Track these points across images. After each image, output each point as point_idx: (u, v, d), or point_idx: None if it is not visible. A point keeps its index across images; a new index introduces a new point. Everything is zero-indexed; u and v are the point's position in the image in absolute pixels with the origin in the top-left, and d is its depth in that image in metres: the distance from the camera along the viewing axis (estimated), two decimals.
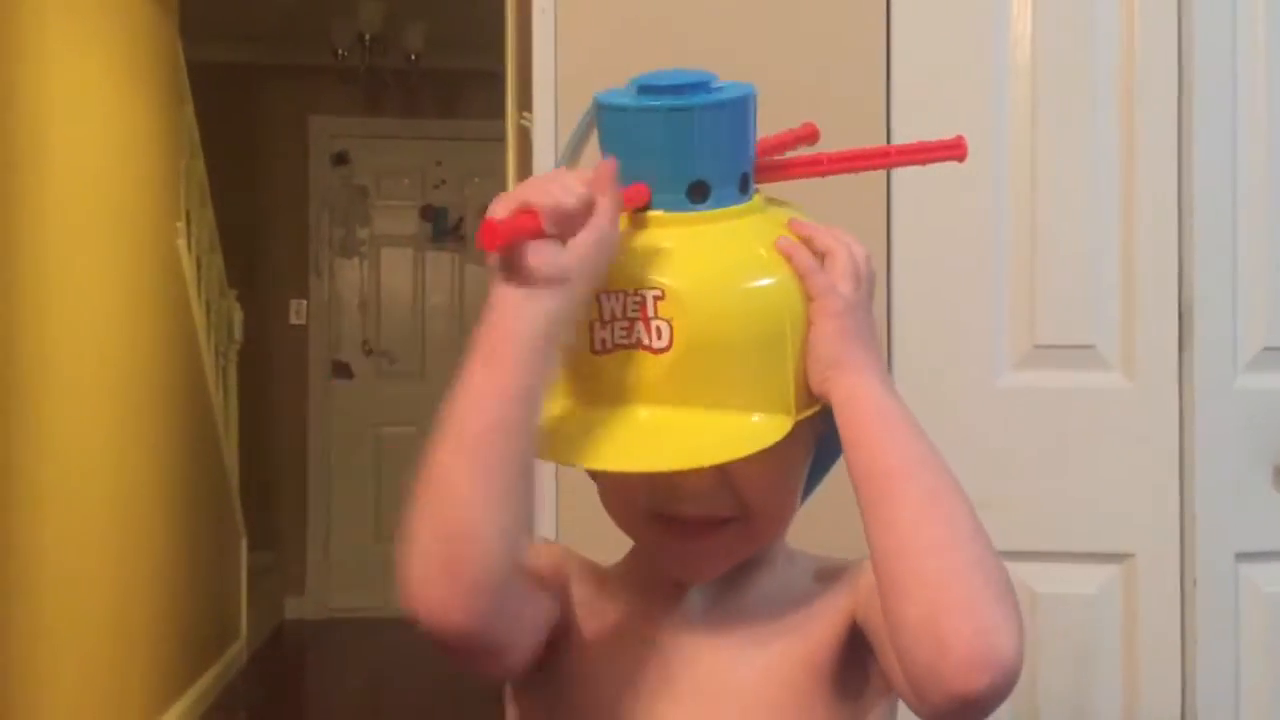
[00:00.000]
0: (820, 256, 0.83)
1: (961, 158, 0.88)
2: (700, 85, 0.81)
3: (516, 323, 0.75)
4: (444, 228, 5.70)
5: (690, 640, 0.85)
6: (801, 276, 0.81)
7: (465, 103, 5.43)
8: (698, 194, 0.82)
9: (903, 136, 1.56)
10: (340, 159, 5.65)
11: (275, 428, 5.46)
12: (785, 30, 1.57)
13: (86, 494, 2.91)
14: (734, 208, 0.83)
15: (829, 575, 0.88)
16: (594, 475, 0.87)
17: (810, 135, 0.92)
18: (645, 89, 0.82)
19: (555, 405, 0.81)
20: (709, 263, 0.80)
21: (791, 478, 0.85)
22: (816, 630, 0.85)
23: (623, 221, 0.80)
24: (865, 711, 0.86)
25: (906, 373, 1.56)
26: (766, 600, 0.87)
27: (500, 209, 0.76)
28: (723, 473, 0.80)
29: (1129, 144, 1.59)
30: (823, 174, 0.89)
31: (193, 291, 3.94)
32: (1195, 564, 1.57)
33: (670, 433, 0.79)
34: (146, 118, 3.53)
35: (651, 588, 0.87)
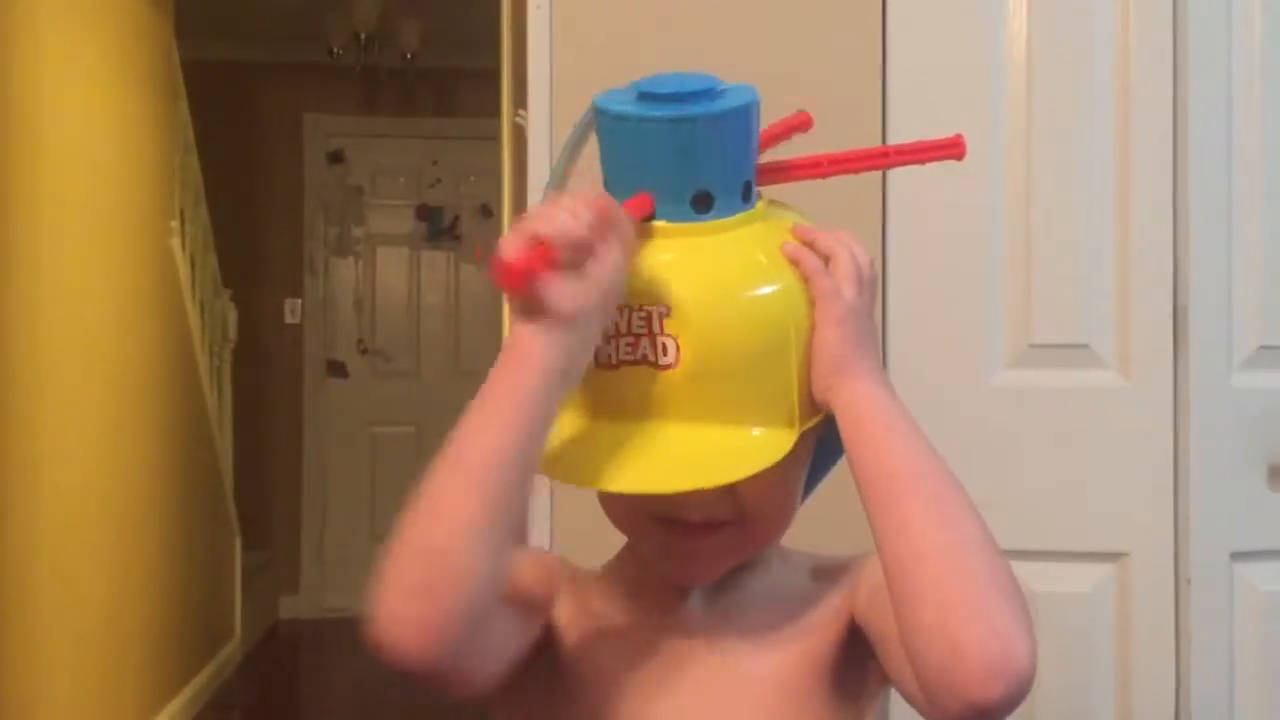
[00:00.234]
0: (823, 260, 0.83)
1: (960, 156, 0.88)
2: (704, 92, 0.80)
3: (532, 359, 0.74)
4: (439, 227, 5.69)
5: (688, 642, 0.85)
6: (807, 279, 0.81)
7: (461, 101, 5.43)
8: (702, 204, 0.81)
9: (899, 136, 1.56)
10: (335, 158, 5.65)
11: (270, 427, 5.45)
12: (781, 29, 1.57)
13: (80, 493, 2.90)
14: (737, 216, 0.82)
15: (825, 574, 0.88)
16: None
17: (804, 123, 0.91)
18: (647, 96, 0.80)
19: (567, 421, 0.81)
20: (714, 276, 0.79)
21: (792, 481, 0.85)
22: (815, 630, 0.85)
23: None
24: (864, 710, 0.86)
25: (902, 372, 1.55)
26: (763, 600, 0.87)
27: (510, 246, 0.74)
28: (733, 481, 0.80)
29: (1124, 143, 1.59)
30: (823, 175, 0.88)
31: (187, 290, 3.93)
32: (1190, 563, 1.57)
33: (678, 451, 0.78)
34: (141, 116, 3.52)
35: (647, 590, 0.87)
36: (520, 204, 1.68)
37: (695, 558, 0.84)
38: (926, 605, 0.71)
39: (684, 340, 0.78)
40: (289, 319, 5.57)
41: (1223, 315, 1.59)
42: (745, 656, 0.85)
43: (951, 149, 0.88)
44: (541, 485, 1.50)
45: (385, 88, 5.43)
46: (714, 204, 0.81)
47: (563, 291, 0.74)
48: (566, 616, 0.87)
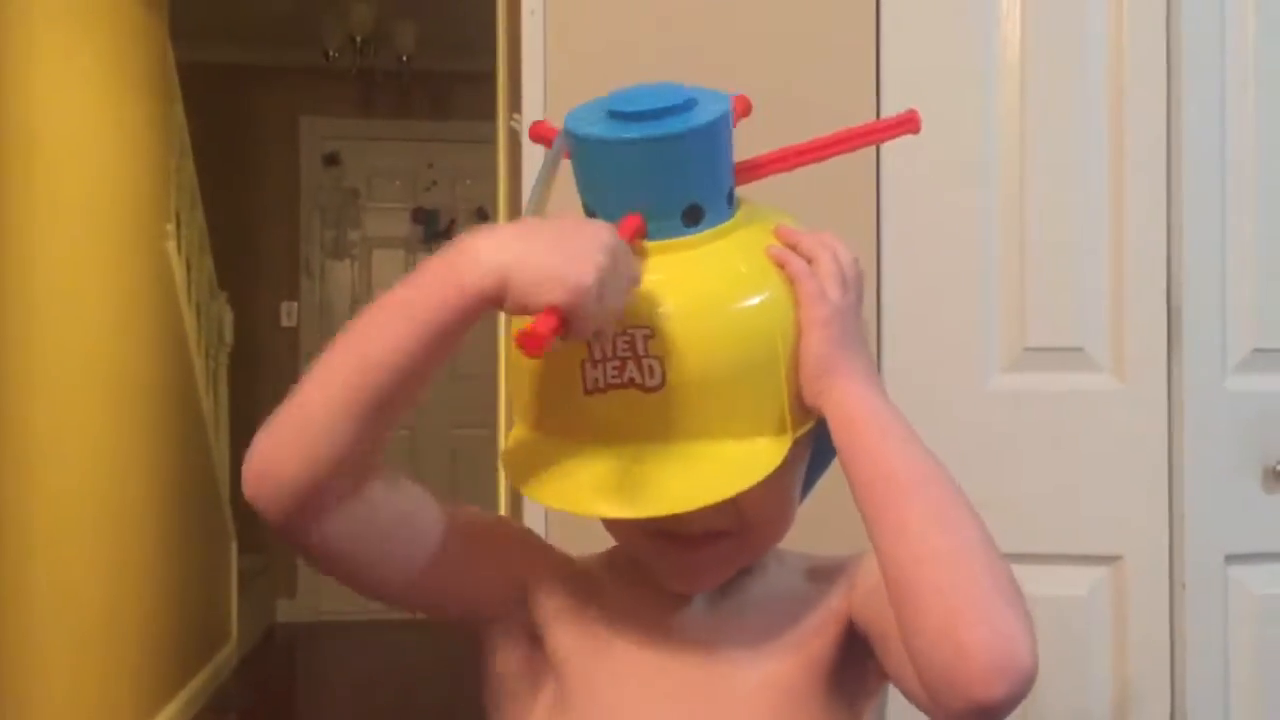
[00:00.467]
0: (806, 262, 0.82)
1: (915, 130, 0.87)
2: (679, 105, 0.79)
3: (467, 290, 0.74)
4: (435, 230, 5.69)
5: (686, 645, 0.85)
6: (792, 281, 0.81)
7: (457, 104, 5.43)
8: (692, 217, 0.81)
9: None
10: (331, 160, 5.65)
11: None
12: (775, 33, 1.57)
13: (76, 496, 2.90)
14: (723, 225, 0.82)
15: (821, 575, 0.88)
16: None
17: (744, 109, 0.87)
18: (619, 115, 0.79)
19: (550, 446, 0.81)
20: (695, 293, 0.79)
21: (789, 487, 0.85)
22: (813, 631, 0.85)
23: None
24: (862, 710, 0.86)
25: (896, 376, 1.55)
26: (760, 602, 0.87)
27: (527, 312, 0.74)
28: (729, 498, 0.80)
29: (1118, 146, 1.59)
30: (791, 168, 0.88)
31: (183, 293, 3.93)
32: (1185, 566, 1.57)
33: (672, 471, 0.78)
34: (136, 118, 3.52)
35: (644, 592, 0.87)
36: (516, 207, 1.68)
37: (695, 568, 0.84)
38: (929, 608, 0.71)
39: (669, 360, 0.77)
40: (285, 322, 5.56)
41: (1217, 318, 1.59)
42: (742, 660, 0.85)
43: (907, 124, 0.87)
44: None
45: (381, 90, 5.43)
46: (704, 215, 0.81)
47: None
48: (557, 607, 0.87)
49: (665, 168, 0.79)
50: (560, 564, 0.90)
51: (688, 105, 0.79)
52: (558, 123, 0.84)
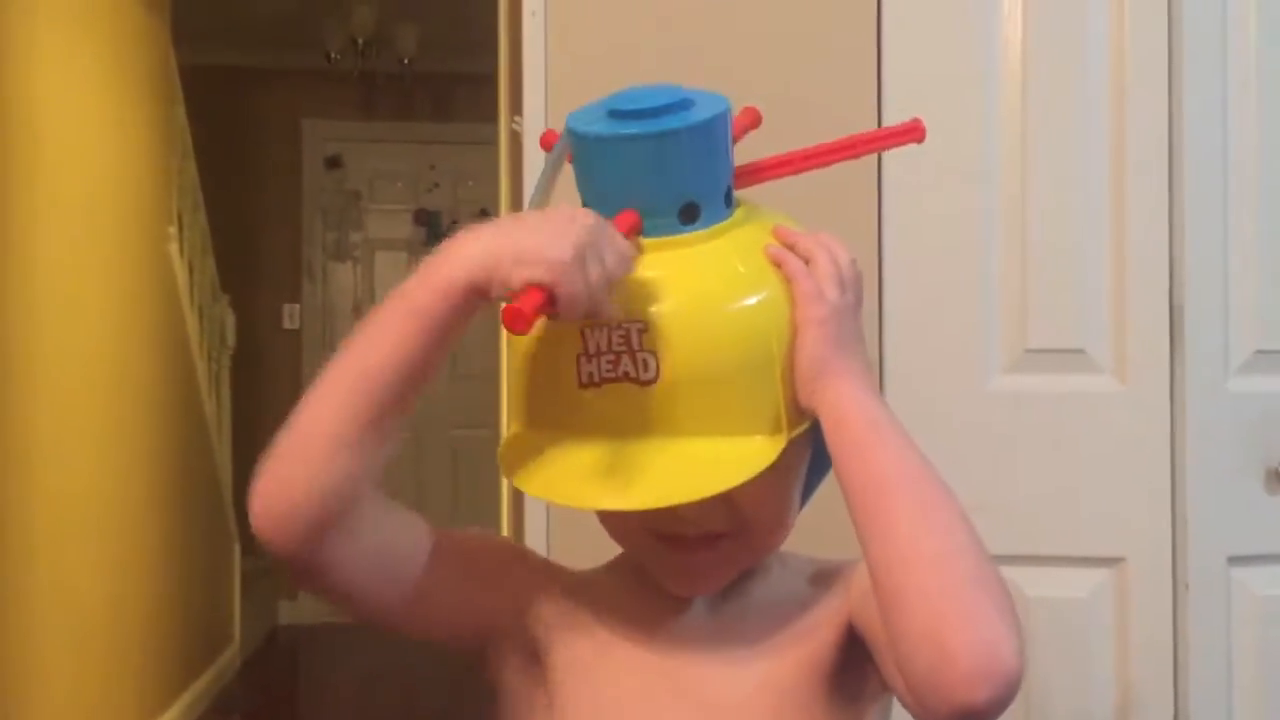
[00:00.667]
0: (804, 262, 0.82)
1: (919, 139, 0.88)
2: (677, 104, 0.80)
3: (451, 289, 0.75)
4: (438, 231, 5.69)
5: (688, 648, 0.85)
6: (789, 280, 0.81)
7: (458, 106, 5.43)
8: (689, 215, 0.81)
9: None
10: (333, 162, 5.65)
11: (269, 432, 5.39)
12: (776, 36, 1.57)
13: (78, 499, 2.90)
14: (720, 224, 0.82)
15: (824, 578, 0.88)
16: None
17: (753, 121, 0.90)
18: (619, 114, 0.80)
19: (545, 440, 0.81)
20: (692, 290, 0.79)
21: (788, 488, 0.85)
22: (814, 634, 0.85)
23: None
24: (863, 713, 0.86)
25: (898, 377, 1.56)
26: (763, 606, 0.87)
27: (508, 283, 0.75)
28: (719, 494, 0.79)
29: (1119, 148, 1.59)
30: (793, 172, 0.88)
31: (185, 296, 3.93)
32: (1187, 567, 1.57)
33: (664, 465, 0.78)
34: (138, 121, 3.52)
35: (646, 595, 0.87)
36: (518, 208, 1.68)
37: (695, 570, 0.84)
38: (913, 610, 0.71)
39: (663, 355, 0.77)
40: (287, 324, 5.57)
41: (1219, 319, 1.59)
42: (743, 662, 0.84)
43: (911, 133, 0.88)
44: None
45: (383, 93, 5.43)
46: (700, 213, 0.81)
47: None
48: (556, 619, 0.87)
49: (661, 164, 0.80)
50: (557, 576, 0.90)
51: (685, 104, 0.80)
52: (561, 124, 0.85)
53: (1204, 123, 1.59)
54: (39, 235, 2.67)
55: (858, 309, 0.84)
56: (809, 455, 0.86)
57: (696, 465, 0.78)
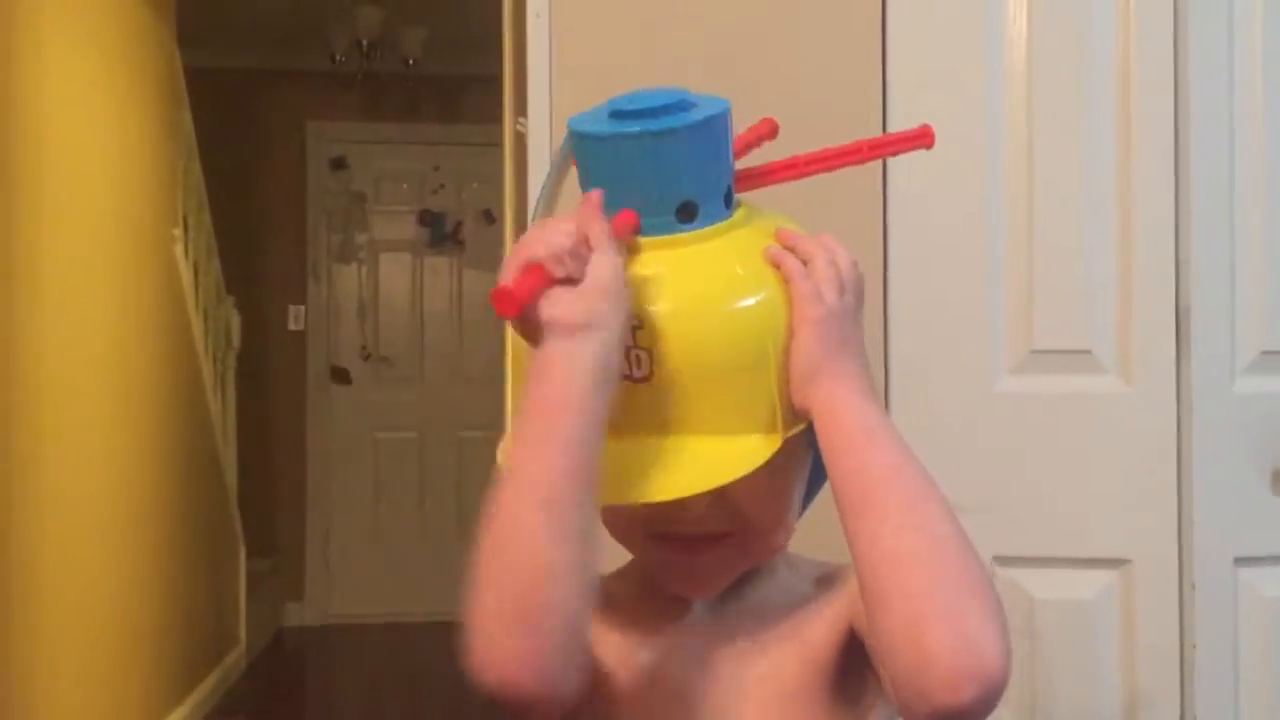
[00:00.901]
0: (803, 264, 0.82)
1: (929, 145, 0.88)
2: (677, 104, 0.81)
3: (561, 373, 0.75)
4: (442, 233, 5.69)
5: (693, 648, 0.85)
6: (787, 281, 0.81)
7: (463, 108, 5.43)
8: (686, 214, 0.82)
9: None
10: (338, 164, 5.65)
11: (274, 434, 5.45)
12: (780, 35, 1.57)
13: (84, 500, 2.91)
14: (720, 224, 0.83)
15: (827, 581, 0.88)
16: None
17: (770, 131, 0.91)
18: (620, 114, 0.81)
19: None
20: (687, 290, 0.80)
21: (788, 490, 0.85)
22: (817, 636, 0.85)
23: None
24: (866, 713, 0.85)
25: (903, 379, 1.55)
26: (768, 607, 0.87)
27: (506, 275, 0.76)
28: (718, 492, 0.80)
29: (1125, 147, 1.59)
30: (799, 176, 0.88)
31: (190, 297, 3.93)
32: (1194, 569, 1.57)
33: (654, 462, 0.78)
34: (143, 123, 3.53)
35: (652, 596, 0.87)
36: (522, 210, 1.68)
37: (696, 572, 0.84)
38: (895, 609, 0.71)
39: (657, 352, 0.78)
40: (292, 326, 5.57)
41: (1225, 320, 1.59)
42: (747, 663, 0.85)
43: (921, 139, 0.88)
44: None
45: (387, 94, 5.43)
46: (699, 213, 0.82)
47: (562, 301, 0.75)
48: None
49: (657, 162, 0.80)
50: None
51: (685, 105, 0.81)
52: (564, 127, 0.85)
53: (1210, 123, 1.59)
54: (45, 238, 2.67)
55: (858, 311, 0.83)
56: (810, 458, 0.86)
57: (689, 462, 0.78)
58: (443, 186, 5.68)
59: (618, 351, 0.77)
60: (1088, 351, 1.59)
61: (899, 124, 1.57)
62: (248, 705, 4.33)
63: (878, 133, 1.57)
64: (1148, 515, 1.58)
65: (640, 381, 0.78)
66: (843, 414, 0.78)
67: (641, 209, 0.81)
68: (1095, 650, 1.58)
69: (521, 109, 1.65)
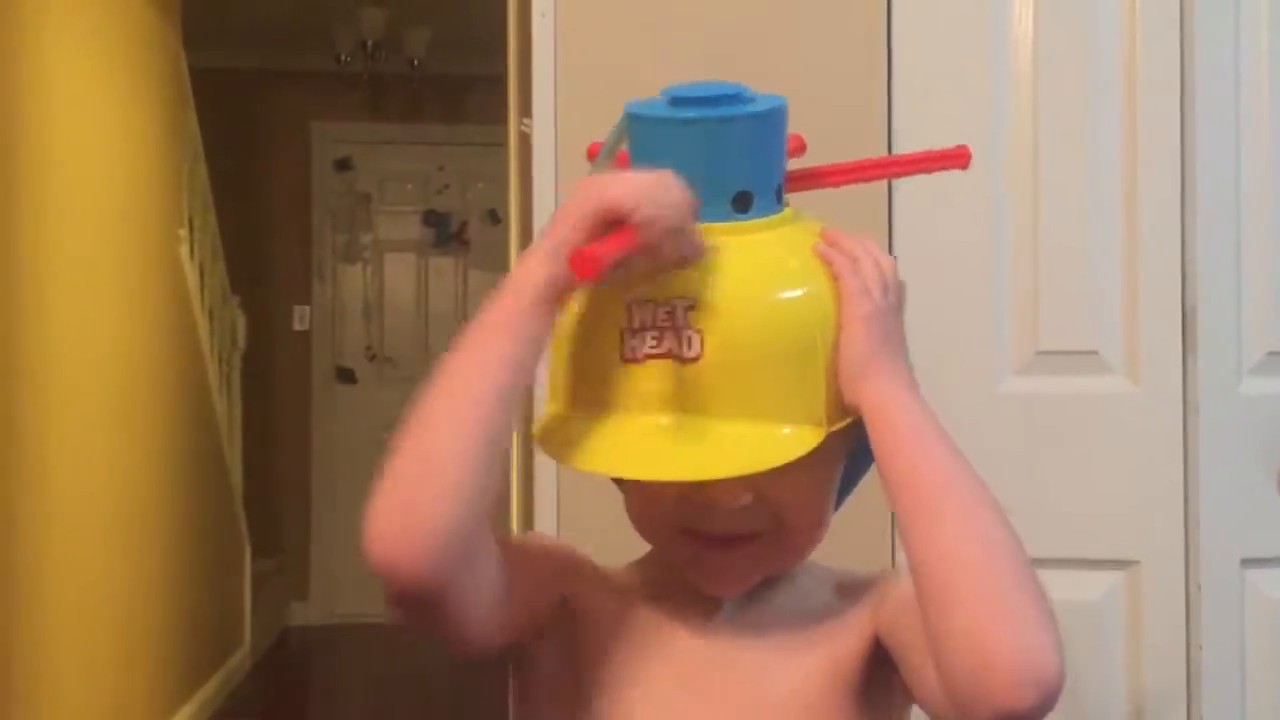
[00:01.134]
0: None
1: (964, 166, 0.90)
2: (736, 96, 0.82)
3: (531, 287, 0.77)
4: (447, 233, 5.70)
5: (713, 652, 0.85)
6: (837, 278, 0.81)
7: (468, 108, 5.43)
8: (742, 204, 0.83)
9: (904, 141, 1.56)
10: (343, 165, 5.66)
11: (279, 434, 5.46)
12: (785, 36, 1.57)
13: (90, 501, 2.91)
14: (772, 218, 0.84)
15: (851, 589, 0.88)
16: (623, 486, 0.86)
17: (798, 147, 0.92)
18: (680, 101, 0.82)
19: (583, 418, 0.81)
20: (744, 274, 0.80)
21: (824, 491, 0.85)
22: (841, 644, 0.84)
23: None
24: None
25: None
26: (789, 613, 0.86)
27: (590, 198, 0.76)
28: (756, 488, 0.80)
29: (1131, 148, 1.59)
30: (836, 184, 0.91)
31: (196, 298, 3.94)
32: (1200, 570, 1.56)
33: (700, 442, 0.78)
34: (149, 124, 3.53)
35: (674, 597, 0.86)
36: (527, 210, 1.68)
37: (726, 570, 0.84)
38: (958, 613, 0.71)
39: (709, 334, 0.78)
40: (297, 326, 5.58)
41: (1231, 321, 1.58)
42: (769, 670, 0.84)
43: (956, 159, 0.90)
44: (549, 481, 1.50)
45: (392, 94, 5.44)
46: (753, 204, 0.83)
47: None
48: (588, 610, 0.86)
49: (719, 150, 0.81)
50: (593, 572, 0.89)
51: (744, 98, 0.82)
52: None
53: (1215, 124, 1.59)
54: (51, 239, 2.67)
55: (900, 313, 0.84)
56: (844, 463, 0.86)
57: (731, 445, 0.78)
58: (447, 187, 5.68)
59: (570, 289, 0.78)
60: (1094, 352, 1.59)
61: (904, 126, 1.57)
62: (252, 705, 4.34)
63: (882, 136, 1.57)
64: (1154, 516, 1.57)
65: (690, 362, 0.78)
66: (894, 409, 0.79)
67: (699, 196, 0.81)
68: (1102, 651, 1.58)
69: (526, 109, 1.65)
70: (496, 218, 5.48)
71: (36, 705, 2.56)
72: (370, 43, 5.01)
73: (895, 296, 0.84)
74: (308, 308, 5.58)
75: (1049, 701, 0.69)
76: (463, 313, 5.64)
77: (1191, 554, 1.57)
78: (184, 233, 3.81)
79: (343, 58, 5.08)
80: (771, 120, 0.83)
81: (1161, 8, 1.59)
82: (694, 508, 0.81)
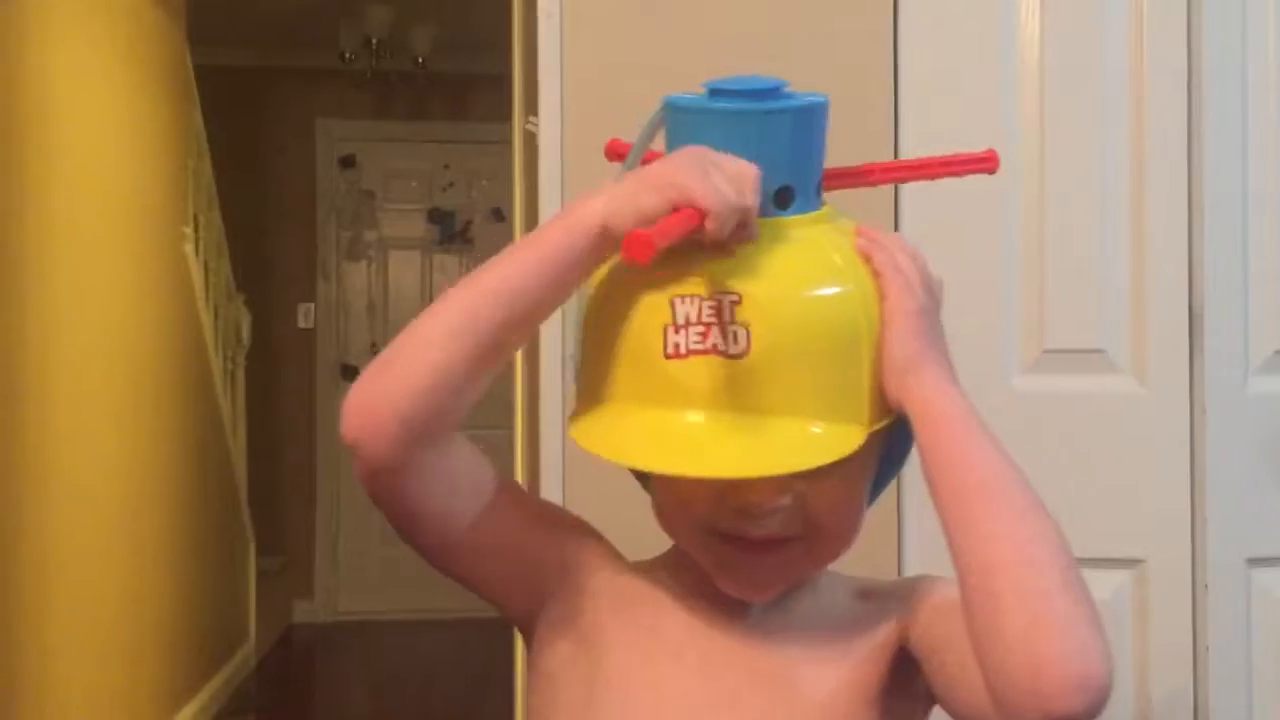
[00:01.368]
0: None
1: (992, 170, 0.90)
2: (776, 90, 0.81)
3: (586, 226, 0.77)
4: (451, 230, 5.70)
5: (736, 657, 0.84)
6: (879, 275, 0.81)
7: (472, 106, 5.43)
8: (783, 200, 0.82)
9: (910, 140, 1.55)
10: (347, 162, 5.66)
11: (283, 431, 5.46)
12: (792, 35, 1.57)
13: (95, 498, 2.91)
14: (812, 214, 0.83)
15: (873, 595, 0.87)
16: (651, 484, 0.85)
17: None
18: (721, 93, 0.81)
19: (625, 408, 0.80)
20: (787, 269, 0.79)
21: (859, 495, 0.84)
22: (865, 651, 0.84)
23: None
24: None
25: None
26: (811, 619, 0.85)
27: (647, 196, 0.76)
28: (794, 490, 0.79)
29: (1139, 147, 1.58)
30: (872, 184, 0.91)
31: (200, 295, 3.94)
32: (1207, 569, 1.56)
33: (742, 439, 0.77)
34: (153, 121, 3.53)
35: (699, 599, 0.85)
36: (532, 208, 1.67)
37: (755, 574, 0.83)
38: (1009, 617, 0.70)
39: (755, 329, 0.77)
40: (302, 323, 5.58)
41: (1239, 320, 1.58)
42: (793, 677, 0.83)
43: (985, 163, 0.91)
44: (553, 472, 1.49)
45: (397, 92, 5.44)
46: (794, 199, 0.82)
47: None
48: (610, 604, 0.85)
49: (763, 144, 0.80)
50: (617, 563, 0.89)
51: (784, 92, 0.82)
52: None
53: (1223, 123, 1.58)
54: (55, 235, 2.67)
55: (939, 311, 0.84)
56: (876, 467, 0.85)
57: (776, 443, 0.77)
58: (452, 184, 5.68)
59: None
60: (1101, 351, 1.58)
61: (911, 129, 1.57)
62: (257, 702, 4.34)
63: (888, 138, 1.56)
64: (1161, 515, 1.57)
65: (736, 358, 0.77)
66: (944, 408, 0.78)
67: None
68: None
69: (531, 107, 1.65)
70: (501, 216, 5.48)
71: (44, 702, 2.56)
72: (375, 41, 5.01)
73: (935, 295, 0.84)
74: (312, 305, 5.59)
75: (1099, 705, 0.69)
76: None
77: (1198, 553, 1.56)
78: (188, 230, 3.81)
79: (347, 55, 5.08)
80: (815, 115, 0.83)
81: (1169, 7, 1.58)
82: (729, 509, 0.80)
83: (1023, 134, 1.58)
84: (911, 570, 1.50)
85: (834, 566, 0.89)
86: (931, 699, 0.83)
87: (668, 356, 0.78)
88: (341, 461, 5.54)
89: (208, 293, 4.09)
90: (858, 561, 0.88)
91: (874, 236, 0.83)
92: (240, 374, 4.73)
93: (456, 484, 0.82)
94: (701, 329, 0.77)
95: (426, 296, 5.69)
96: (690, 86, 0.85)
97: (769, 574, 0.83)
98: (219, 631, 4.24)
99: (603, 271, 0.82)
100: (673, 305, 0.78)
